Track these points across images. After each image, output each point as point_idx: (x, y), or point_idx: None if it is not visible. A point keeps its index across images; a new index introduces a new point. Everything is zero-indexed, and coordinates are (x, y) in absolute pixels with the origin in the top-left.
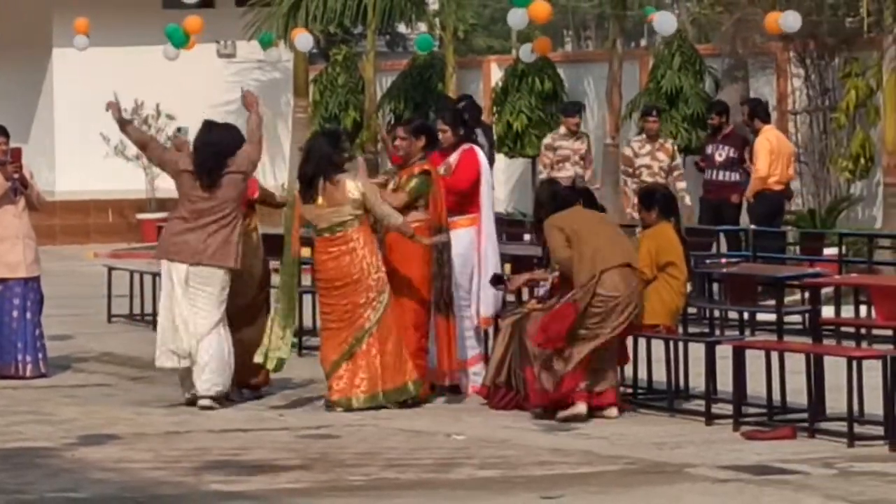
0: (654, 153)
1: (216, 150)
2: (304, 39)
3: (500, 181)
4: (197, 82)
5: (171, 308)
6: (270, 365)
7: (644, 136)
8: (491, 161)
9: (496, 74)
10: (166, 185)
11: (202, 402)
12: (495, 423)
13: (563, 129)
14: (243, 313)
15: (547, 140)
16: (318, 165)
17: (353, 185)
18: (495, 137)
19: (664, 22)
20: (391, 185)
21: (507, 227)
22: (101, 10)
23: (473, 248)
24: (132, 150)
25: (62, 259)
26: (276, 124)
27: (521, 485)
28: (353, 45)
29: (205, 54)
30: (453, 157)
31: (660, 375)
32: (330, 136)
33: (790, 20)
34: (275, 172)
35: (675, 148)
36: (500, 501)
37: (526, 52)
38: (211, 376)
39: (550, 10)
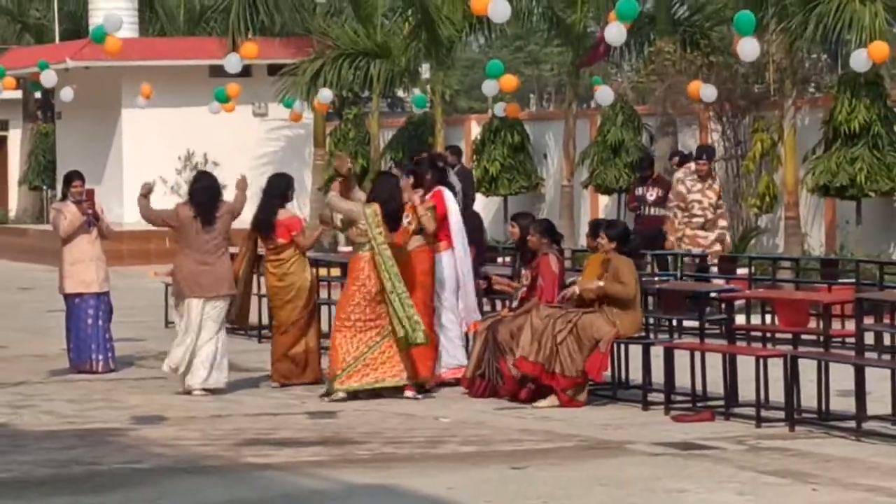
0: (704, 191)
1: (211, 190)
2: (325, 94)
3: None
4: (236, 136)
5: (188, 337)
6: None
7: (696, 176)
8: (472, 199)
9: (475, 129)
10: None
11: (196, 392)
12: (474, 409)
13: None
14: (304, 323)
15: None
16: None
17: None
18: (475, 179)
19: (604, 95)
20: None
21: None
22: (160, 78)
23: (452, 267)
24: (184, 189)
25: (129, 277)
26: (300, 169)
27: (494, 458)
28: (361, 106)
29: (243, 113)
30: (427, 197)
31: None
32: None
33: (708, 92)
34: (300, 207)
35: (721, 189)
36: (477, 472)
37: (499, 109)
38: (204, 373)
39: (518, 82)
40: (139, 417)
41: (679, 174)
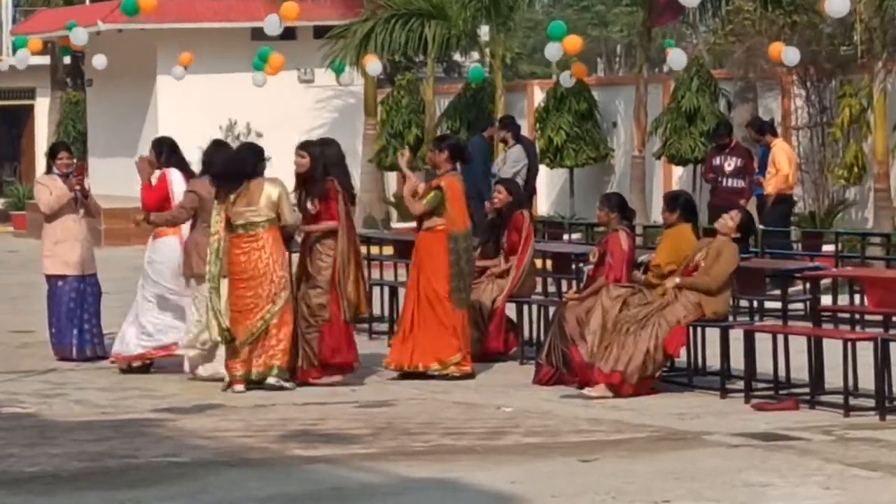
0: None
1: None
2: (374, 65)
3: (543, 188)
4: (280, 104)
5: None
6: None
7: None
8: (535, 171)
9: (538, 96)
10: None
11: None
12: (539, 397)
13: None
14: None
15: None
16: (242, 169)
17: (272, 189)
18: (538, 150)
19: (677, 58)
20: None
21: (549, 228)
22: (198, 42)
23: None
24: None
25: None
26: (352, 139)
27: (561, 450)
28: (415, 71)
29: (287, 80)
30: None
31: (681, 355)
32: (254, 147)
33: (790, 55)
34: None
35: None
36: (542, 464)
37: (565, 78)
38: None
39: (582, 43)
40: (177, 407)
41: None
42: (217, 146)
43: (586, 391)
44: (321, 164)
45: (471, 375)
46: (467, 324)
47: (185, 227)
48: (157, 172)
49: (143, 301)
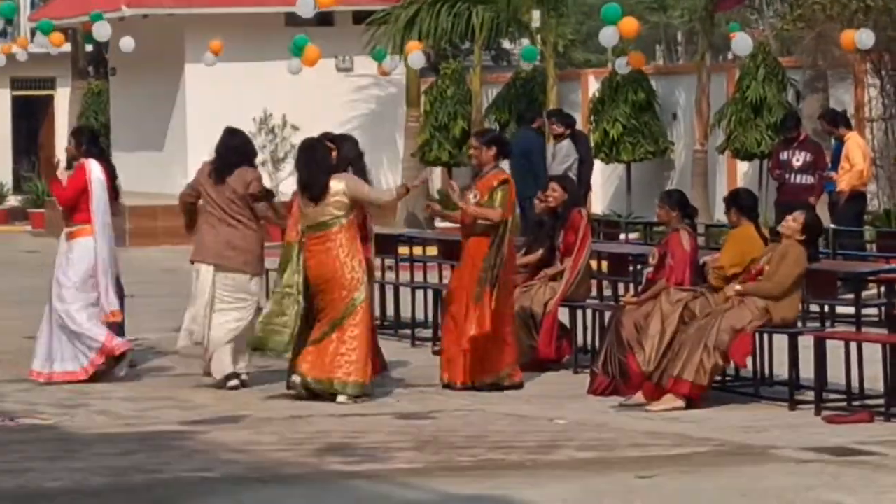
0: None
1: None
2: (416, 57)
3: (598, 185)
4: (318, 94)
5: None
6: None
7: None
8: (590, 166)
9: (593, 86)
10: (287, 189)
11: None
12: (594, 408)
13: None
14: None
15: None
16: (319, 169)
17: (336, 184)
18: (592, 144)
19: (742, 43)
20: (472, 198)
21: (605, 227)
22: (229, 28)
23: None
24: (260, 157)
25: None
26: (392, 132)
27: (617, 465)
28: (461, 59)
29: (325, 69)
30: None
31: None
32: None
33: (864, 38)
34: (390, 174)
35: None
36: (597, 481)
37: (621, 65)
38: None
39: (639, 26)
40: (208, 419)
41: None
42: (232, 134)
43: (650, 406)
44: (345, 160)
45: (519, 385)
46: (515, 332)
47: (100, 228)
48: (73, 163)
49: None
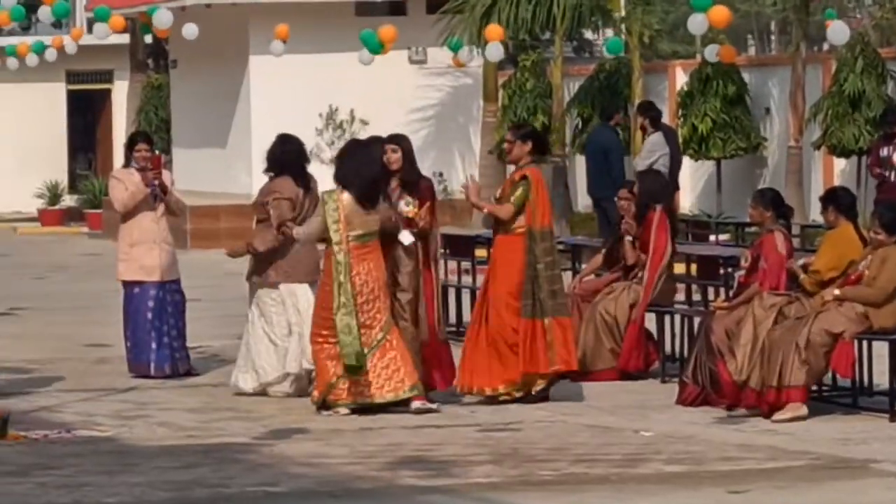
0: None
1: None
2: (494, 48)
3: (686, 183)
4: (389, 88)
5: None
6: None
7: None
8: (678, 163)
9: (681, 79)
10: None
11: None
12: (682, 420)
13: None
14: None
15: None
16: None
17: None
18: (680, 140)
19: (838, 32)
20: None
21: (694, 228)
22: (295, 18)
23: None
24: (327, 154)
25: None
26: (467, 127)
27: (707, 480)
28: (542, 50)
29: (396, 60)
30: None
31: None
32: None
33: None
34: (466, 171)
35: None
36: (686, 496)
37: (710, 53)
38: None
39: (730, 14)
40: (274, 431)
41: None
42: (283, 141)
43: (775, 416)
44: (411, 159)
45: (545, 398)
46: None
47: None
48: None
49: None
